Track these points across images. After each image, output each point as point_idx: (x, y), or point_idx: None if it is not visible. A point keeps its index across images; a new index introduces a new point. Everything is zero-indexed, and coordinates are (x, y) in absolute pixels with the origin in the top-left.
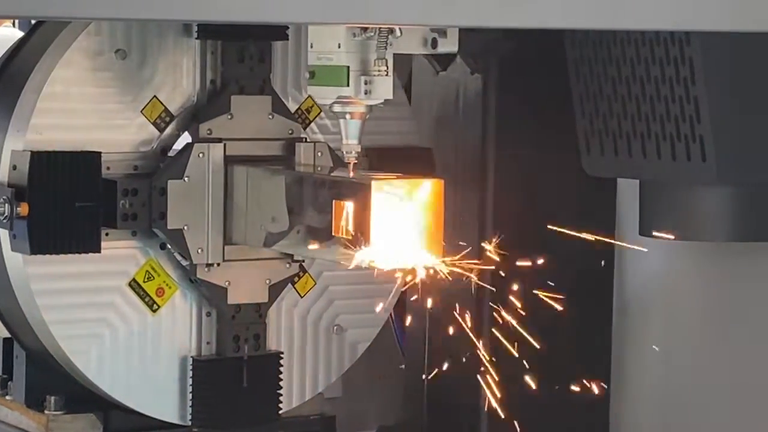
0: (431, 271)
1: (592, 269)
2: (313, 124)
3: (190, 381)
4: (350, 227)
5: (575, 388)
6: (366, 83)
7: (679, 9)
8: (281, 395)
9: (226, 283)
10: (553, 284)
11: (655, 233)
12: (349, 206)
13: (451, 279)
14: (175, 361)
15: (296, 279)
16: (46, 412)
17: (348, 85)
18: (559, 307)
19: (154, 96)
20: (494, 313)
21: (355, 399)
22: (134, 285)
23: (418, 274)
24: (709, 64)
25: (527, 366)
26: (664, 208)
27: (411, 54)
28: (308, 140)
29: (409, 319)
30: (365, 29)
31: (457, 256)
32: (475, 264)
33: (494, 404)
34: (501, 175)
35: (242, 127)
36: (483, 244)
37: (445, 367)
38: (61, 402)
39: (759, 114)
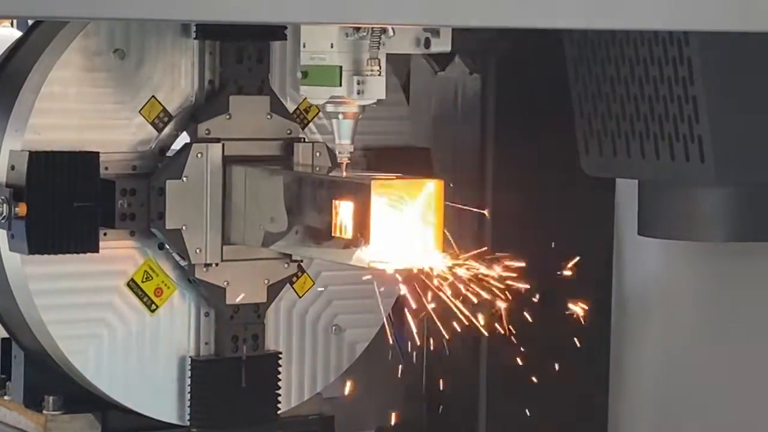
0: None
1: (591, 269)
2: (311, 124)
3: (188, 381)
4: (350, 227)
5: (574, 387)
6: (359, 83)
7: (677, 8)
8: (280, 395)
9: (225, 283)
10: (551, 283)
11: (653, 233)
12: (349, 206)
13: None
14: (173, 362)
15: (295, 279)
16: (44, 412)
17: (341, 85)
18: (557, 307)
19: (153, 96)
20: (492, 313)
21: (353, 399)
22: (132, 285)
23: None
24: (707, 63)
25: (526, 366)
26: (663, 208)
27: (404, 54)
28: (306, 140)
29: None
30: (358, 29)
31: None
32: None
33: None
34: (499, 175)
35: (241, 127)
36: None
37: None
38: (60, 402)
39: (757, 114)
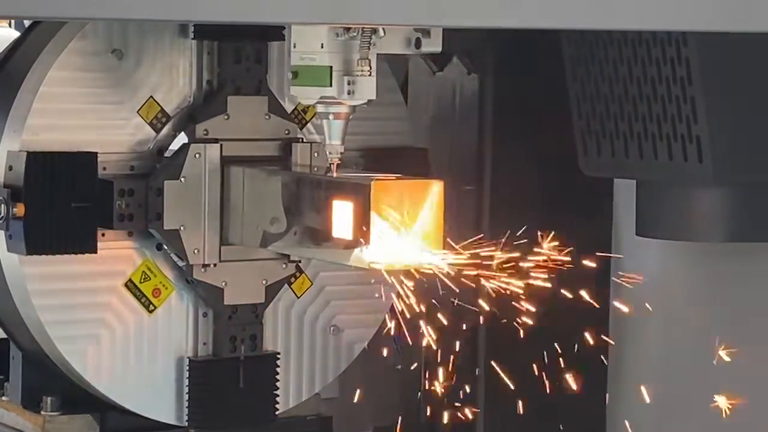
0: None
1: (589, 269)
2: (309, 125)
3: (186, 381)
4: (350, 228)
5: (572, 388)
6: (349, 83)
7: (675, 9)
8: (278, 396)
9: (223, 284)
10: (550, 284)
11: (652, 234)
12: (348, 207)
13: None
14: (171, 362)
15: (293, 279)
16: (42, 412)
17: (331, 86)
18: (556, 308)
19: (151, 96)
20: (491, 313)
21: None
22: (130, 285)
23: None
24: (705, 64)
25: (524, 366)
26: (661, 208)
27: (394, 54)
28: (305, 140)
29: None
30: (348, 29)
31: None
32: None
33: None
34: (497, 175)
35: (239, 128)
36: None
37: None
38: (58, 403)
39: (756, 114)
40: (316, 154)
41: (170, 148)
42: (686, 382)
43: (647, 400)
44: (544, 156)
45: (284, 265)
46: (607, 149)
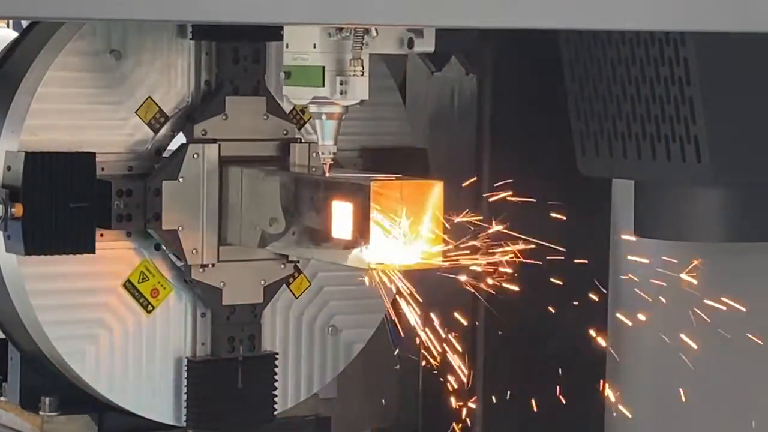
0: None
1: (588, 270)
2: (307, 125)
3: (184, 382)
4: (349, 228)
5: (571, 388)
6: (341, 83)
7: (674, 9)
8: (276, 396)
9: (221, 284)
10: (548, 284)
11: (650, 234)
12: (348, 207)
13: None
14: (169, 362)
15: (291, 280)
16: (40, 413)
17: (323, 86)
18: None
19: (149, 97)
20: (489, 314)
21: (350, 400)
22: (129, 286)
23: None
24: (704, 64)
25: (522, 366)
26: (660, 208)
27: (387, 54)
28: (303, 141)
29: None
30: (340, 29)
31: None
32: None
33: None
34: (496, 176)
35: (237, 128)
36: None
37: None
38: (56, 403)
39: (754, 114)
40: (314, 155)
41: (168, 148)
42: (684, 382)
43: (646, 400)
44: (542, 156)
45: (283, 266)
46: (605, 149)
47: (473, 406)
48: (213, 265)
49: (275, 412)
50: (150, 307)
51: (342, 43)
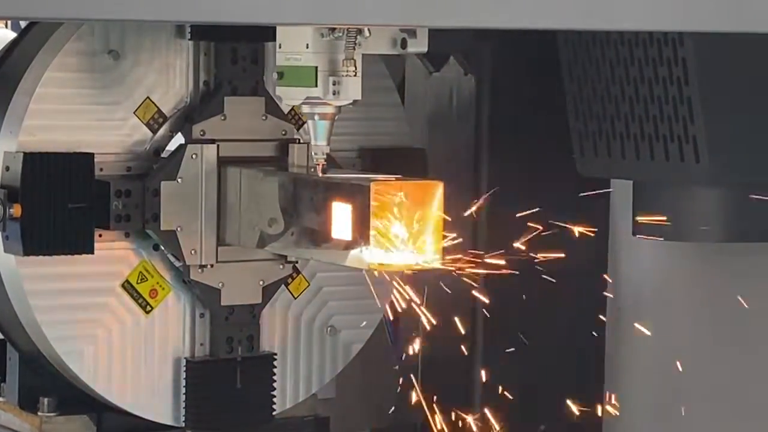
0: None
1: (586, 270)
2: (306, 125)
3: (183, 382)
4: (349, 229)
5: (570, 388)
6: (334, 84)
7: (672, 9)
8: (275, 396)
9: (220, 285)
10: (547, 285)
11: (648, 234)
12: (348, 208)
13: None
14: (168, 363)
15: (290, 280)
16: (39, 413)
17: (316, 86)
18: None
19: (147, 97)
20: (488, 315)
21: (348, 401)
22: (127, 286)
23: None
24: (702, 64)
25: (521, 367)
26: (658, 208)
27: (380, 54)
28: (301, 141)
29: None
30: (333, 29)
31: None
32: (470, 266)
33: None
34: (494, 176)
35: (235, 128)
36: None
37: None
38: (55, 403)
39: (752, 114)
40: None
41: (167, 148)
42: (681, 382)
43: (644, 400)
44: (541, 156)
45: (281, 266)
46: (603, 150)
47: (472, 404)
48: (211, 265)
49: (274, 413)
50: (149, 308)
51: (335, 43)
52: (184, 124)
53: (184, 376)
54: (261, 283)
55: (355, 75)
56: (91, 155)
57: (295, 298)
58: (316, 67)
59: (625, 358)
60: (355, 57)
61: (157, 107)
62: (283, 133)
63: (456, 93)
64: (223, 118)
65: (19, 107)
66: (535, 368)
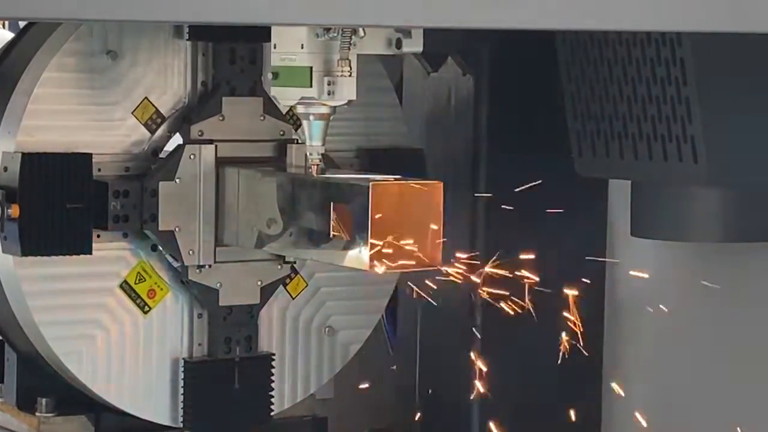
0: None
1: (584, 270)
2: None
3: (181, 383)
4: (348, 229)
5: (569, 389)
6: (329, 84)
7: (670, 9)
8: (273, 397)
9: (218, 285)
10: (545, 285)
11: (646, 234)
12: (348, 208)
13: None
14: (166, 363)
15: (288, 281)
16: (37, 414)
17: (311, 86)
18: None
19: (146, 97)
20: (487, 315)
21: (347, 401)
22: (125, 287)
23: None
24: (700, 64)
25: (520, 367)
26: (656, 208)
27: (375, 54)
28: (299, 141)
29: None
30: (328, 29)
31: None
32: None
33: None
34: (493, 176)
35: (233, 129)
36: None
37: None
38: (53, 404)
39: (750, 114)
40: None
41: (165, 149)
42: (680, 382)
43: (642, 400)
44: (539, 156)
45: (279, 266)
46: (602, 150)
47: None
48: (210, 265)
49: (272, 413)
50: (147, 308)
51: (329, 43)
52: (182, 125)
53: (182, 377)
54: (259, 283)
55: (350, 75)
56: (89, 155)
57: (293, 299)
58: (311, 68)
59: (624, 358)
60: (350, 57)
61: (155, 108)
62: (281, 133)
63: (454, 93)
64: (221, 118)
65: (17, 107)
66: (535, 368)
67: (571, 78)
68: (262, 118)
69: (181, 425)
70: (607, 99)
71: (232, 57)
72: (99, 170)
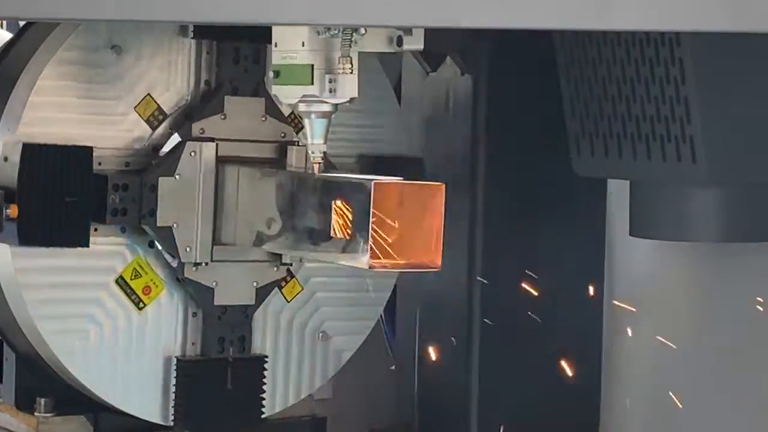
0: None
1: (584, 270)
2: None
3: (173, 381)
4: (349, 229)
5: (568, 388)
6: (330, 81)
7: (669, 9)
8: (264, 399)
9: (214, 284)
10: (545, 284)
11: (645, 234)
12: (348, 208)
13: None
14: (159, 361)
15: (283, 284)
16: (36, 414)
17: (312, 84)
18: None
19: (148, 94)
20: (486, 315)
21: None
22: (121, 282)
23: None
24: (699, 64)
25: (519, 365)
26: (655, 208)
27: (376, 52)
28: (300, 144)
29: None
30: (329, 27)
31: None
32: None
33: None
34: (491, 176)
35: (235, 128)
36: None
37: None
38: (51, 404)
39: (749, 114)
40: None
41: (166, 145)
42: (679, 382)
43: (641, 400)
44: (538, 156)
45: (276, 268)
46: (600, 150)
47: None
48: (206, 264)
49: (264, 415)
50: (141, 305)
51: (330, 41)
52: (184, 122)
53: (174, 375)
54: (255, 284)
55: (351, 72)
56: (90, 148)
57: (288, 302)
58: (312, 65)
59: (623, 358)
60: (351, 54)
61: (158, 104)
62: (282, 135)
63: (453, 93)
64: (222, 117)
65: (19, 99)
66: (534, 368)
67: (569, 78)
68: (263, 118)
69: (172, 423)
70: (606, 99)
71: (236, 56)
72: (99, 164)
